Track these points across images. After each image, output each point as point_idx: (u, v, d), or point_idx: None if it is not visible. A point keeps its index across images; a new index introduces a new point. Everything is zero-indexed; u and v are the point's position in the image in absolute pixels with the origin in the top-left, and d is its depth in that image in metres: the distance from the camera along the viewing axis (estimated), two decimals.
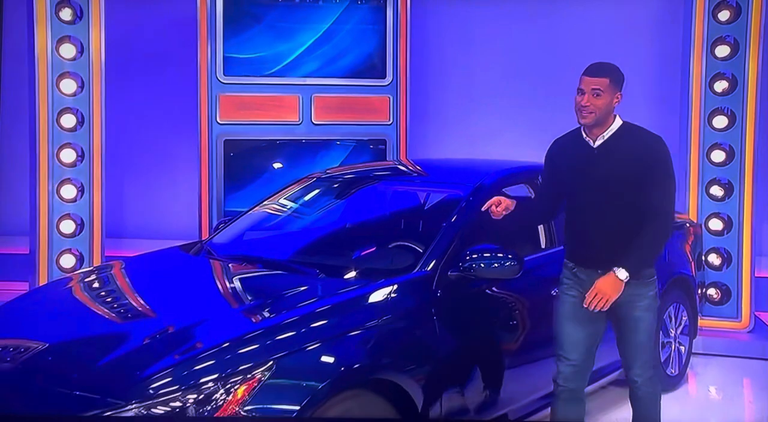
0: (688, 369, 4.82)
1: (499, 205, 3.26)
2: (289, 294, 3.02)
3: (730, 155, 5.55)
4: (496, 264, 3.15)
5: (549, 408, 3.41)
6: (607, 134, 3.12)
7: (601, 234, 3.09)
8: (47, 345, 2.77)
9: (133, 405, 2.35)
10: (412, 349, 2.91)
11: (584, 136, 3.17)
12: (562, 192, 3.24)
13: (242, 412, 2.38)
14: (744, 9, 5.49)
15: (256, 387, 2.44)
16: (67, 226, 5.32)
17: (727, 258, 5.57)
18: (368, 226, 4.02)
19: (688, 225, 5.18)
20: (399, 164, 4.84)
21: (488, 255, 3.17)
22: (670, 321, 4.54)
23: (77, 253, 5.32)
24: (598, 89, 3.09)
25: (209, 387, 2.40)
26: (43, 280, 5.22)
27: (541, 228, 3.83)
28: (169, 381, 2.42)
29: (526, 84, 6.77)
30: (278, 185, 5.48)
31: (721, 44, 5.56)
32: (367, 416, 2.69)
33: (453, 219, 3.38)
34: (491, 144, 6.59)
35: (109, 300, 3.24)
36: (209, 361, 2.50)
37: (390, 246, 3.57)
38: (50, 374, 2.57)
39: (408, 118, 6.10)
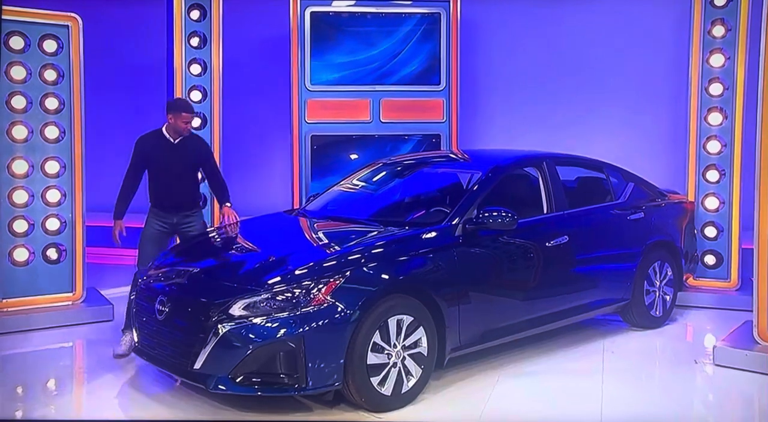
0: (672, 313, 6.19)
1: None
2: (358, 235, 4.64)
3: (724, 146, 6.82)
4: (500, 220, 4.67)
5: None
6: None
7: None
8: (211, 266, 4.53)
9: (271, 291, 4.00)
10: (438, 272, 4.45)
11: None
12: None
13: (328, 300, 3.98)
14: (734, 26, 6.76)
15: (335, 287, 4.05)
16: None
17: (720, 231, 6.87)
18: (414, 195, 5.61)
19: (684, 203, 6.53)
20: (442, 153, 6.41)
21: (495, 213, 4.69)
22: (655, 274, 5.92)
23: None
24: None
25: (308, 285, 4.03)
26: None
27: (543, 198, 5.30)
28: (286, 279, 4.07)
29: (558, 85, 8.21)
30: (352, 170, 7.12)
31: (716, 54, 6.84)
32: (411, 311, 4.25)
33: (471, 190, 4.93)
34: (528, 136, 8.06)
35: (243, 241, 4.99)
36: (311, 269, 4.13)
37: (429, 207, 5.17)
38: (217, 278, 4.30)
39: (458, 117, 7.64)
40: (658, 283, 5.96)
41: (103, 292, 6.56)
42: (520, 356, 5.18)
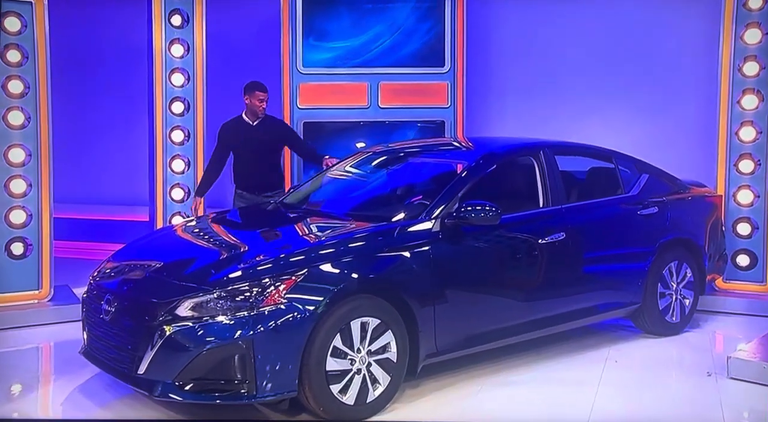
0: (695, 319, 6.07)
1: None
2: (327, 230, 4.64)
3: (760, 133, 6.62)
4: (482, 214, 4.59)
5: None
6: None
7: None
8: (167, 262, 4.53)
9: (219, 290, 4.00)
10: (410, 270, 4.38)
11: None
12: None
13: (282, 300, 3.97)
14: None
15: (291, 286, 4.03)
16: (177, 193, 7.17)
17: (755, 228, 6.67)
18: (398, 187, 5.55)
19: (709, 197, 6.36)
20: (438, 141, 6.35)
21: (479, 207, 4.61)
22: (671, 275, 5.77)
23: (185, 215, 7.16)
24: None
25: (261, 283, 4.02)
26: None
27: (540, 190, 5.21)
28: (239, 277, 4.07)
29: (579, 69, 8.08)
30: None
31: (752, 28, 6.63)
32: (377, 312, 4.21)
33: (453, 182, 4.87)
34: (545, 124, 7.94)
35: (211, 234, 5.06)
36: (267, 266, 4.11)
37: (411, 200, 5.12)
38: (168, 277, 4.30)
39: (464, 102, 7.55)
40: (674, 286, 5.81)
41: (76, 290, 6.64)
42: (511, 363, 5.10)
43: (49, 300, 6.23)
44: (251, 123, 6.36)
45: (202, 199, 6.57)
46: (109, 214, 8.63)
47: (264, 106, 6.34)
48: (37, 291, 6.18)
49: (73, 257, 7.71)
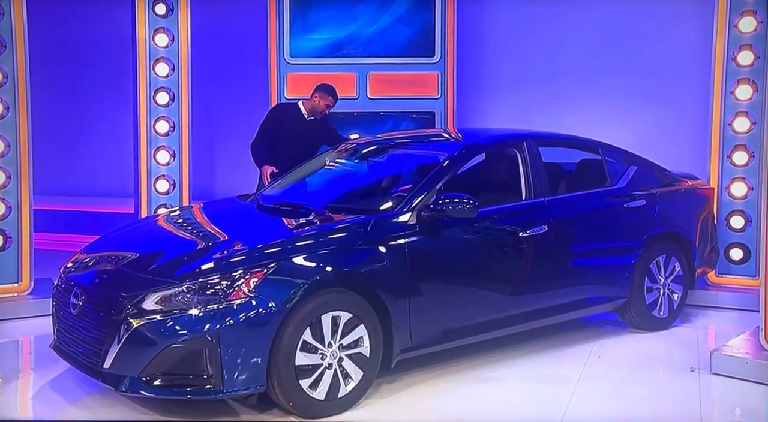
0: (686, 314, 6.05)
1: None
2: (300, 224, 4.62)
3: (754, 124, 6.54)
4: (459, 207, 4.56)
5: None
6: None
7: None
8: (138, 254, 4.53)
9: (186, 283, 3.99)
10: (383, 263, 4.35)
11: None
12: None
13: (250, 294, 3.96)
14: None
15: (259, 280, 4.01)
16: (162, 185, 7.17)
17: (748, 221, 6.60)
18: (380, 179, 5.55)
19: (700, 189, 6.30)
20: (426, 132, 6.35)
21: (456, 199, 4.58)
22: (658, 269, 5.73)
23: (169, 207, 7.14)
24: None
25: (228, 277, 4.01)
26: None
27: (522, 182, 5.17)
28: (211, 269, 4.05)
29: (569, 63, 8.04)
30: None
31: (747, 17, 6.54)
32: (349, 306, 4.19)
33: (431, 174, 4.84)
34: (542, 116, 7.89)
35: (185, 225, 5.05)
36: (240, 257, 4.10)
37: (391, 192, 5.11)
38: (135, 269, 4.29)
39: (455, 93, 7.51)
40: (662, 280, 5.77)
41: None
42: (490, 359, 5.08)
43: (29, 294, 6.23)
44: (306, 116, 6.50)
45: (267, 166, 6.35)
46: (96, 206, 8.64)
47: (327, 112, 6.53)
48: (16, 284, 6.18)
49: (58, 249, 7.69)
